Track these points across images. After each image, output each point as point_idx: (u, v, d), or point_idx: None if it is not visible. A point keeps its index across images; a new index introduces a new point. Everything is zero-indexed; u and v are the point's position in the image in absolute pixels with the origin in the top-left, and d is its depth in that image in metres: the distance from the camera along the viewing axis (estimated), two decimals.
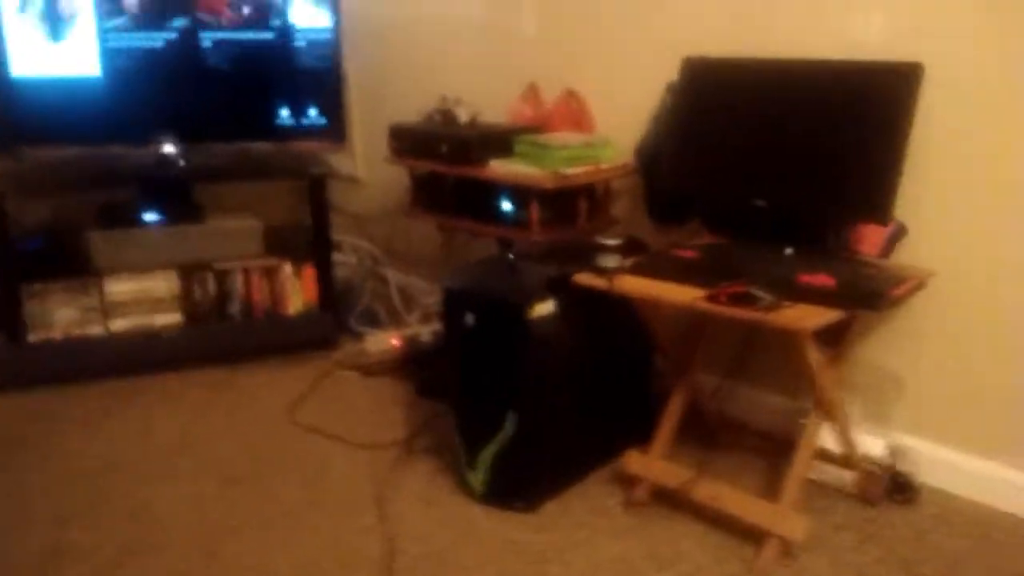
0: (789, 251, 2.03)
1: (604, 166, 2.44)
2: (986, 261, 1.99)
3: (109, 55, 2.87)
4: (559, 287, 2.02)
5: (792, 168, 2.05)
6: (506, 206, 2.44)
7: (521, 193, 2.38)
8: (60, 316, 2.80)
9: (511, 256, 2.27)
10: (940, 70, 1.92)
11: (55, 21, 2.83)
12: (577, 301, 2.02)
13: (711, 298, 1.80)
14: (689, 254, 2.07)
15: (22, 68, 2.82)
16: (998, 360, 2.01)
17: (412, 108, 2.80)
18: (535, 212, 2.35)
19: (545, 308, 2.00)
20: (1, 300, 2.76)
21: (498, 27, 2.89)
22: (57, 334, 2.80)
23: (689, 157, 2.23)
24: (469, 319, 2.02)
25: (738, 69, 2.17)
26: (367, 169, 3.37)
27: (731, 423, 2.40)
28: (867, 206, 1.95)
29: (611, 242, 1.98)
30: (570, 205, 2.41)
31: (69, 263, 2.83)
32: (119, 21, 2.85)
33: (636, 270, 1.98)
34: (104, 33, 2.85)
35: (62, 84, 2.86)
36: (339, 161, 3.24)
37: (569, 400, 2.11)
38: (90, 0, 2.82)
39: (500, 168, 2.41)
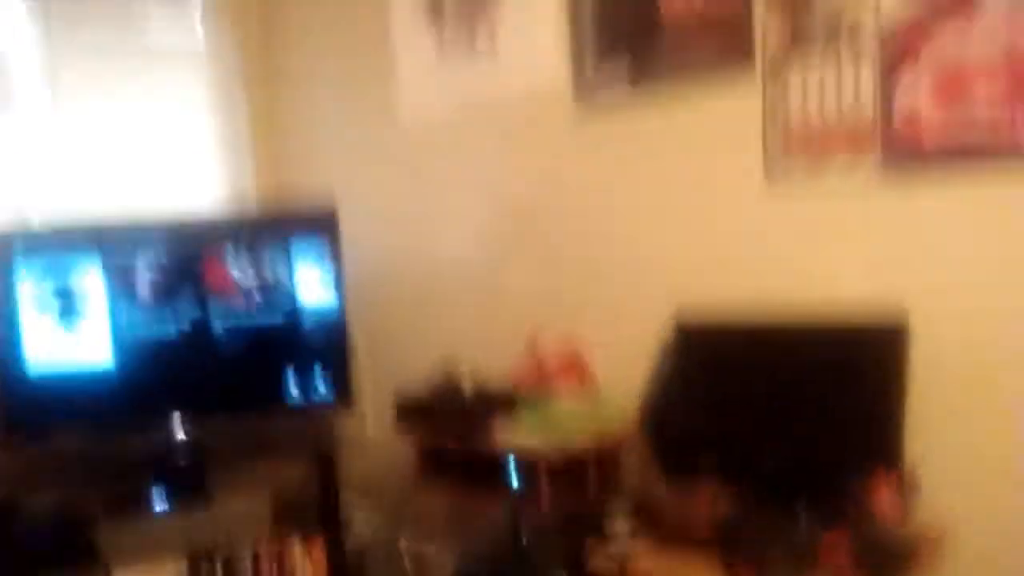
0: (802, 511, 1.96)
1: (611, 430, 2.42)
2: (996, 515, 1.91)
3: (122, 343, 2.95)
4: (573, 567, 1.94)
5: (792, 431, 2.02)
6: (513, 479, 2.39)
7: (528, 465, 2.34)
8: None
9: (522, 534, 2.20)
10: (930, 315, 1.93)
11: (70, 314, 2.94)
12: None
13: None
14: (704, 521, 2.00)
15: (36, 358, 2.90)
16: None
17: (420, 366, 2.83)
18: (543, 484, 2.30)
19: None
20: None
21: (496, 284, 2.98)
22: None
23: (692, 418, 2.21)
24: None
25: (729, 333, 2.20)
26: (376, 431, 3.36)
27: None
28: (870, 460, 1.90)
29: (618, 527, 1.92)
30: (578, 472, 2.36)
31: (77, 554, 2.77)
32: (132, 311, 2.96)
33: (650, 544, 1.90)
34: (117, 323, 2.95)
35: (75, 374, 2.92)
36: (349, 426, 3.23)
37: None
38: (103, 292, 2.94)
39: (506, 441, 2.39)
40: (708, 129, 2.37)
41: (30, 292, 2.90)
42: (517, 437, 2.39)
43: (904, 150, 1.99)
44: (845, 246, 2.12)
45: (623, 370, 2.53)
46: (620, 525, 1.89)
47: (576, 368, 2.67)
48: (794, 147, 2.19)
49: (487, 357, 2.79)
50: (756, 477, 2.09)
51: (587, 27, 2.62)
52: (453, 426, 2.48)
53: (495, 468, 2.44)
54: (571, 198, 2.74)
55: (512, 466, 2.40)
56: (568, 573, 1.92)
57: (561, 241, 2.78)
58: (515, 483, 2.40)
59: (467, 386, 2.63)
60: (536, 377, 2.72)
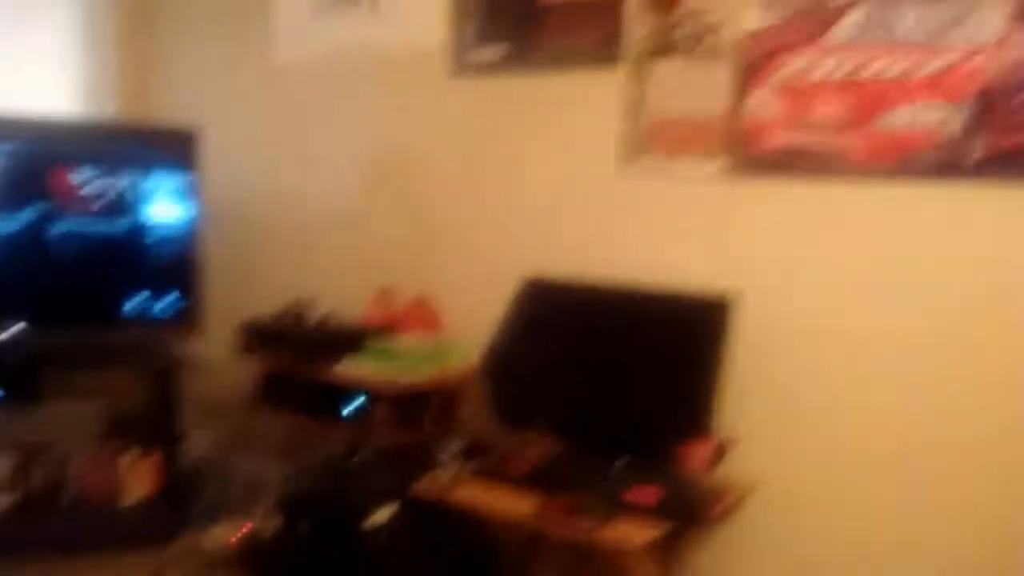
0: (620, 463, 2.15)
1: (451, 369, 2.55)
2: (812, 468, 2.18)
3: None
4: (399, 494, 2.07)
5: (621, 385, 2.22)
6: (352, 407, 2.49)
7: (367, 395, 2.45)
8: None
9: (354, 459, 2.31)
10: (757, 299, 2.16)
11: None
12: (417, 508, 2.07)
13: (542, 512, 1.89)
14: (528, 462, 2.17)
15: None
16: (836, 567, 2.16)
17: (270, 300, 2.87)
18: (381, 414, 2.42)
19: (383, 516, 2.03)
20: None
21: (356, 229, 3.04)
22: None
23: (531, 368, 2.37)
24: (303, 526, 2.03)
25: (572, 291, 2.37)
26: (220, 355, 3.36)
27: None
28: (687, 423, 2.12)
29: (450, 448, 2.06)
30: (416, 408, 2.49)
31: None
32: None
33: (475, 477, 2.05)
34: None
35: None
36: (192, 346, 3.24)
37: None
38: None
39: (347, 369, 2.49)
40: (574, 109, 2.52)
41: None
42: (358, 369, 2.49)
43: (748, 151, 2.20)
44: (686, 229, 2.33)
45: (471, 322, 2.67)
46: (449, 455, 2.02)
47: (424, 316, 2.79)
48: (650, 137, 2.37)
49: (340, 298, 2.86)
50: (582, 427, 2.29)
51: None
52: (297, 353, 2.55)
53: (334, 397, 2.53)
54: (438, 154, 2.84)
55: (351, 396, 2.50)
56: (393, 498, 2.04)
57: (424, 193, 2.88)
58: (351, 412, 2.50)
59: (314, 318, 2.70)
60: (385, 320, 2.83)
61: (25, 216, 2.90)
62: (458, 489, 2.00)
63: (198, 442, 3.25)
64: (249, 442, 3.23)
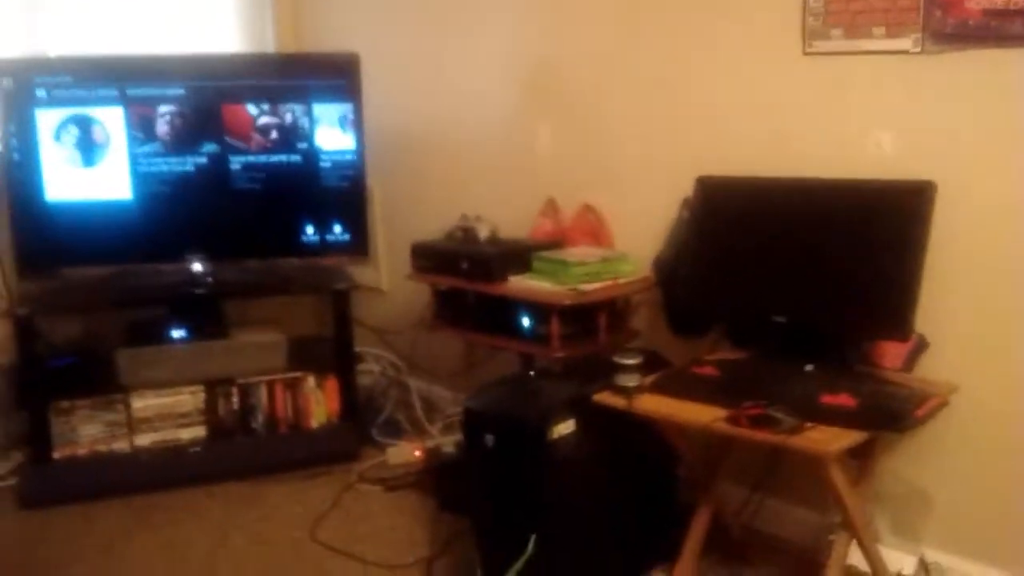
0: (810, 367, 2.03)
1: (623, 281, 2.48)
2: (1007, 374, 1.99)
3: (141, 179, 2.98)
4: (579, 406, 2.03)
5: (811, 285, 2.08)
6: (526, 322, 2.47)
7: (541, 309, 2.41)
8: (85, 432, 2.83)
9: (532, 373, 2.29)
10: (955, 187, 1.95)
11: (89, 147, 2.95)
12: (598, 419, 2.03)
13: (731, 420, 1.81)
14: (709, 371, 2.09)
15: (56, 192, 2.93)
16: None
17: (436, 223, 2.87)
18: (555, 328, 2.38)
19: (566, 428, 2.01)
20: (29, 418, 2.81)
21: (517, 144, 2.97)
22: (82, 450, 2.83)
23: (707, 273, 2.27)
24: (489, 440, 2.02)
25: (752, 188, 2.22)
26: (390, 281, 3.43)
27: (759, 538, 2.36)
28: (886, 321, 1.97)
29: (630, 360, 1.99)
30: (590, 320, 2.44)
31: (97, 381, 2.88)
32: (151, 147, 2.97)
33: (656, 388, 1.99)
34: (136, 158, 2.97)
35: (95, 207, 2.96)
36: (363, 274, 3.30)
37: (592, 520, 2.09)
38: (123, 127, 2.95)
39: (520, 285, 2.46)
40: None
41: (49, 123, 2.91)
42: (531, 284, 2.46)
43: (945, 21, 1.97)
44: (876, 111, 2.12)
45: (640, 231, 2.57)
46: (629, 363, 1.96)
47: (592, 227, 2.72)
48: (833, 11, 2.16)
49: (504, 216, 2.82)
50: (763, 332, 2.17)
51: None
52: (469, 271, 2.54)
53: (508, 312, 2.51)
54: (598, 59, 2.70)
55: (524, 311, 2.48)
56: (575, 409, 2.01)
57: (586, 101, 2.76)
58: (525, 327, 2.48)
59: (483, 236, 2.67)
60: (553, 233, 2.78)
61: (202, 154, 3.00)
62: (640, 399, 1.94)
63: (374, 365, 3.34)
64: (422, 363, 3.29)
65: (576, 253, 2.53)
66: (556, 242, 2.71)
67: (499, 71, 3.00)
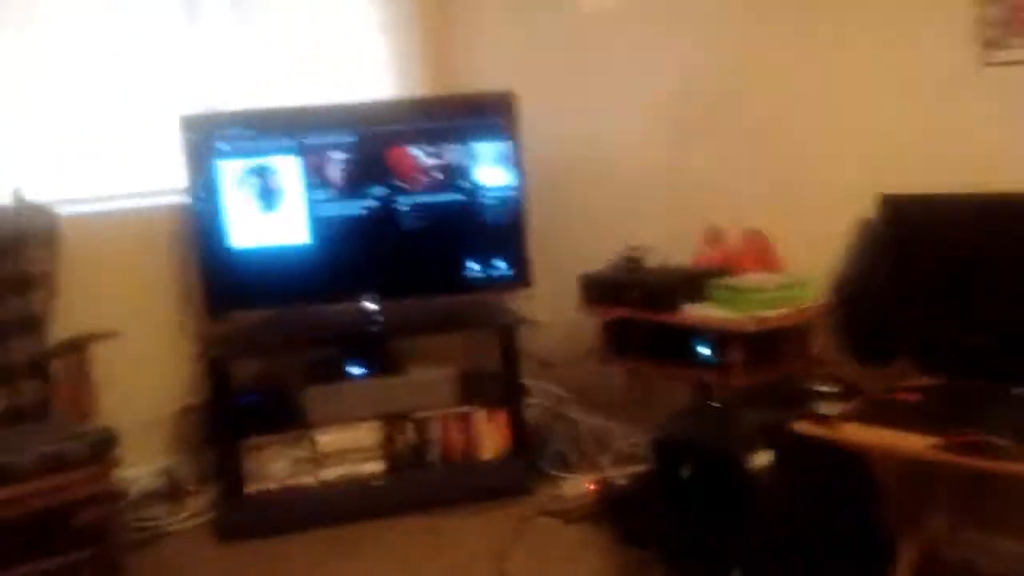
0: (1018, 390, 1.94)
1: (802, 306, 2.43)
2: None
3: (316, 223, 3.12)
4: (775, 436, 1.99)
5: (1015, 303, 1.98)
6: (703, 351, 2.45)
7: (720, 337, 2.39)
8: (275, 468, 2.96)
9: (715, 404, 2.26)
10: None
11: (268, 195, 3.12)
12: (794, 449, 1.98)
13: (947, 447, 1.74)
14: (912, 397, 2.01)
15: (239, 239, 3.11)
16: None
17: (594, 255, 2.89)
18: (736, 356, 2.35)
19: (764, 458, 1.97)
20: (222, 454, 2.96)
21: (675, 171, 2.97)
22: (272, 485, 2.96)
23: (896, 295, 2.19)
24: (684, 471, 2.01)
25: (943, 204, 2.14)
26: (551, 313, 3.46)
27: (966, 571, 2.24)
28: None
29: (830, 388, 1.95)
30: (771, 348, 2.40)
31: (282, 417, 3.01)
32: (325, 193, 3.11)
33: (859, 416, 1.93)
34: (312, 204, 3.11)
35: (274, 252, 3.12)
36: (523, 308, 3.35)
37: (795, 553, 2.03)
38: (299, 175, 3.10)
39: (698, 313, 2.44)
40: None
41: (230, 173, 3.09)
42: (708, 312, 2.44)
43: None
44: None
45: (810, 254, 2.52)
46: (829, 390, 1.92)
47: (760, 252, 2.68)
48: (1014, 15, 2.08)
49: (665, 244, 2.82)
50: (961, 354, 2.08)
51: None
52: (641, 301, 2.54)
53: (683, 342, 2.50)
54: (760, 80, 2.68)
55: (700, 340, 2.46)
56: (771, 438, 1.97)
57: (749, 124, 2.74)
58: (704, 356, 2.46)
59: (651, 265, 2.67)
60: (718, 260, 2.75)
61: (372, 197, 3.13)
62: (843, 428, 1.89)
63: (541, 397, 3.36)
64: (589, 395, 3.30)
65: (752, 280, 2.49)
66: (723, 269, 2.68)
67: (654, 97, 3.02)
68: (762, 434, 2.00)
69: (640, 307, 2.57)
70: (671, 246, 2.83)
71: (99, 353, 2.83)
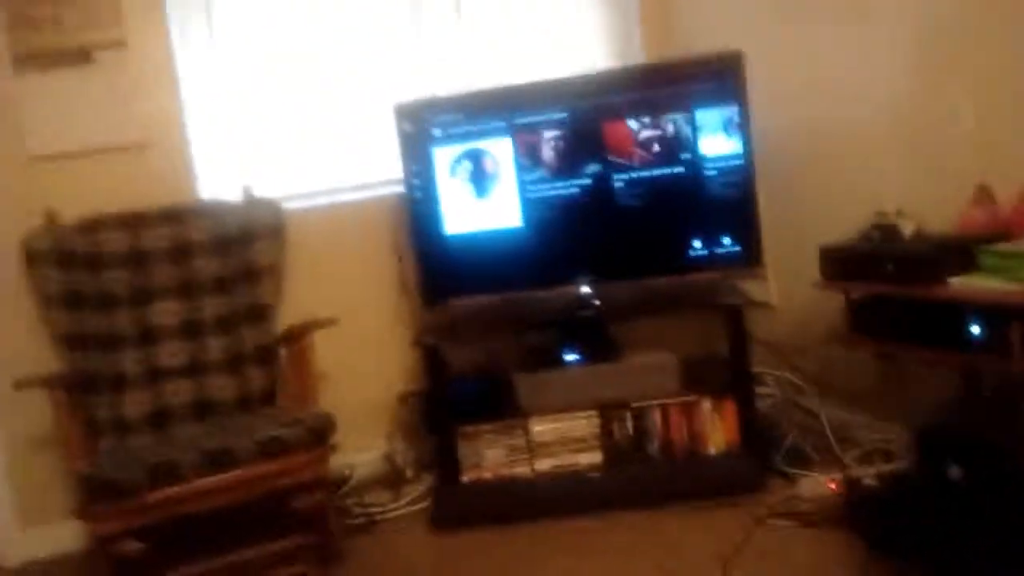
0: None
1: None
2: None
3: (529, 206, 3.00)
4: None
5: None
6: (976, 330, 2.07)
7: (995, 314, 2.00)
8: (490, 456, 2.88)
9: (988, 393, 1.89)
10: None
11: (480, 180, 3.04)
12: None
13: None
14: None
15: (454, 225, 3.05)
16: None
17: (837, 227, 2.56)
18: (1016, 336, 1.96)
19: None
20: (438, 442, 2.92)
21: (932, 127, 2.57)
22: (487, 474, 2.88)
23: None
24: (955, 471, 1.67)
25: None
26: (782, 295, 3.15)
27: None
28: None
29: None
30: None
31: (498, 406, 2.92)
32: (537, 174, 2.99)
33: None
34: (524, 186, 3.00)
35: (488, 237, 3.04)
36: (752, 289, 3.06)
37: None
38: (511, 157, 3.00)
39: (967, 286, 2.07)
40: None
41: (445, 160, 3.04)
42: (980, 284, 2.06)
43: None
44: None
45: None
46: None
47: None
48: None
49: (923, 210, 2.43)
50: None
51: None
52: (897, 274, 2.20)
53: (949, 321, 2.13)
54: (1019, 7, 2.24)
55: (974, 316, 2.08)
56: None
57: (1013, 71, 2.30)
58: (977, 335, 2.08)
59: (908, 233, 2.31)
60: (990, 227, 2.33)
61: (586, 175, 2.97)
62: None
63: (774, 386, 3.06)
64: (830, 384, 2.95)
65: None
66: (996, 234, 2.26)
67: (902, 45, 2.61)
68: None
69: (896, 281, 2.22)
70: (930, 212, 2.44)
71: (322, 341, 2.88)
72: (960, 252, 2.14)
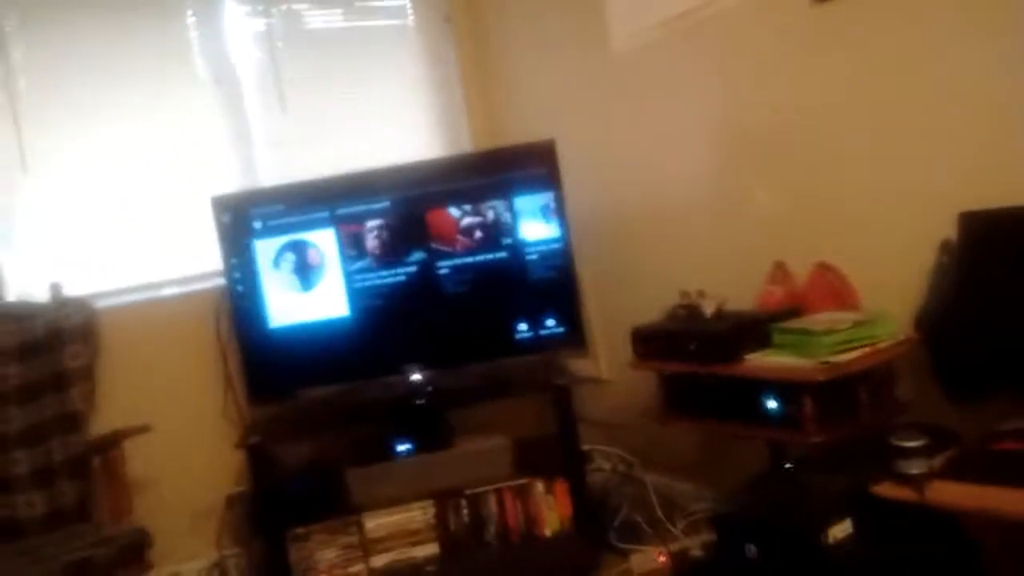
0: None
1: (882, 345, 2.14)
2: None
3: (356, 295, 2.98)
4: (854, 502, 1.71)
5: None
6: (772, 405, 2.17)
7: (788, 389, 2.11)
8: (322, 558, 2.79)
9: (788, 466, 1.99)
10: None
11: (304, 271, 3.00)
12: (879, 517, 1.70)
13: None
14: (1015, 446, 1.71)
15: (279, 318, 2.99)
16: None
17: (653, 304, 2.65)
18: (808, 409, 2.07)
19: (842, 530, 1.69)
20: (267, 546, 2.80)
21: (732, 210, 2.73)
22: None
23: (986, 322, 1.90)
24: (751, 551, 1.74)
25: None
26: (611, 371, 3.23)
27: None
28: None
29: (912, 442, 1.67)
30: (847, 396, 2.11)
31: (329, 502, 2.84)
32: (362, 263, 2.98)
33: (952, 474, 1.64)
34: (350, 276, 2.98)
35: (315, 328, 2.99)
36: (582, 366, 3.13)
37: None
38: (335, 247, 2.98)
39: (760, 363, 2.18)
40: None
41: (267, 252, 2.99)
42: (773, 360, 2.17)
43: None
44: None
45: (891, 286, 2.23)
46: (911, 445, 1.63)
47: (834, 287, 2.40)
48: None
49: (725, 288, 2.56)
50: None
51: None
52: (699, 353, 2.29)
53: (749, 396, 2.23)
54: (811, 110, 2.43)
55: (769, 391, 2.18)
56: (851, 505, 1.69)
57: (810, 154, 2.47)
58: (773, 411, 2.18)
59: (709, 312, 2.43)
60: (786, 303, 2.48)
61: (411, 263, 2.98)
62: (933, 488, 1.60)
63: (604, 462, 3.12)
64: (656, 456, 3.03)
65: (821, 320, 2.22)
66: (792, 310, 2.40)
67: (704, 136, 2.78)
68: (840, 501, 1.72)
69: (699, 360, 2.32)
70: (734, 290, 2.57)
71: (144, 445, 2.75)
72: (756, 330, 2.26)
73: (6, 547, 2.55)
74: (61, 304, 2.91)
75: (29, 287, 2.97)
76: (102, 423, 2.81)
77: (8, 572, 2.27)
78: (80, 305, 2.91)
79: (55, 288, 2.93)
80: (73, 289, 2.95)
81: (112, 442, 2.67)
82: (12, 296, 2.96)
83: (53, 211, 3.05)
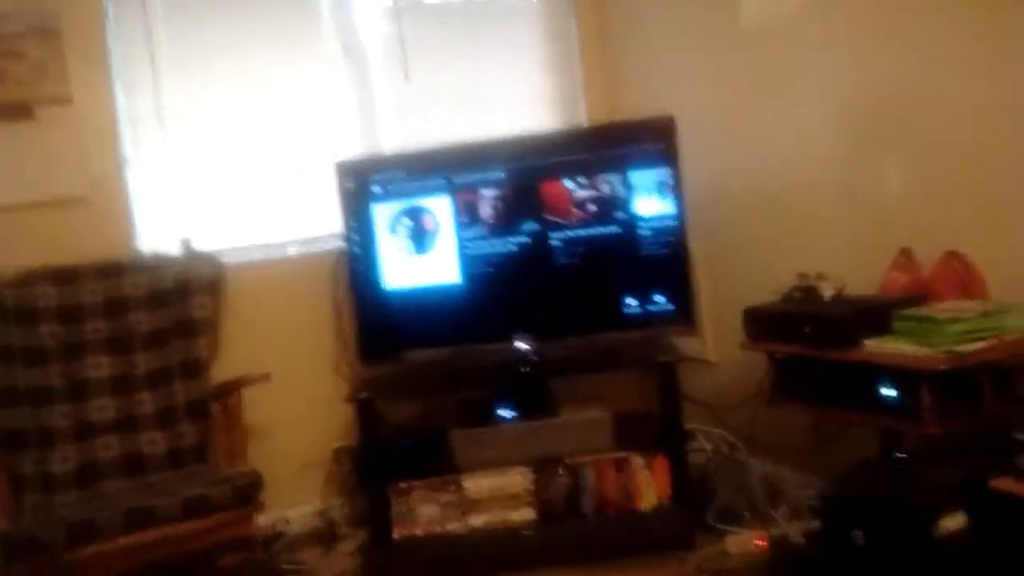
0: None
1: (1009, 338, 2.05)
2: None
3: (468, 262, 3.03)
4: (970, 495, 1.65)
5: None
6: (888, 393, 2.11)
7: (908, 377, 2.05)
8: (423, 513, 2.86)
9: (901, 455, 1.93)
10: None
11: (420, 237, 3.07)
12: (994, 511, 1.64)
13: None
14: None
15: (393, 280, 3.07)
16: None
17: (768, 286, 2.61)
18: (927, 399, 2.00)
19: (955, 522, 1.64)
20: (370, 498, 2.90)
21: (858, 191, 2.64)
22: (419, 531, 2.86)
23: None
24: (858, 536, 1.70)
25: None
26: (719, 352, 3.18)
27: None
28: None
29: None
30: (969, 388, 2.03)
31: (432, 462, 2.91)
32: (476, 231, 3.03)
33: None
34: (463, 243, 3.03)
35: (427, 292, 3.06)
36: (689, 345, 3.10)
37: None
38: (450, 214, 3.03)
39: (879, 349, 2.11)
40: None
41: (384, 217, 3.07)
42: (894, 346, 2.10)
43: None
44: None
45: (1021, 280, 2.13)
46: None
47: (962, 276, 2.30)
48: None
49: (847, 272, 2.49)
50: None
51: None
52: (815, 336, 2.24)
53: (864, 382, 2.17)
54: (947, 89, 2.32)
55: (886, 379, 2.12)
56: (965, 497, 1.64)
57: (944, 135, 2.37)
58: (890, 399, 2.12)
59: (828, 295, 2.37)
60: (910, 290, 2.39)
61: (524, 233, 3.01)
62: None
63: (705, 443, 3.09)
64: (762, 440, 2.98)
65: (947, 308, 2.13)
66: (916, 298, 2.32)
67: (832, 114, 2.69)
68: (955, 493, 1.66)
69: (813, 343, 2.27)
70: (856, 275, 2.49)
71: (259, 395, 2.88)
72: (876, 315, 2.19)
73: (131, 481, 2.72)
74: (191, 258, 3.05)
75: (161, 240, 3.13)
76: (222, 371, 2.95)
77: (133, 502, 2.41)
78: (208, 259, 3.06)
79: (185, 242, 3.08)
80: (202, 244, 3.09)
81: (232, 389, 2.80)
82: (145, 248, 3.12)
83: (186, 168, 3.19)
